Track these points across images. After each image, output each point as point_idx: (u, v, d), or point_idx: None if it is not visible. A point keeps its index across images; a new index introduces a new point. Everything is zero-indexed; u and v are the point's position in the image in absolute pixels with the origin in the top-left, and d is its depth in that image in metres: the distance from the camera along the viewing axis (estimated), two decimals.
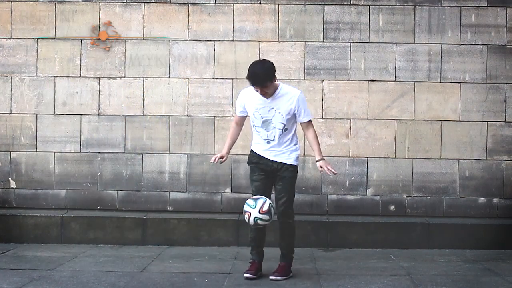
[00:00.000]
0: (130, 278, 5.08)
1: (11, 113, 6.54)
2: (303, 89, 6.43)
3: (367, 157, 6.46)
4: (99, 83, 6.51)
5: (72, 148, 6.52)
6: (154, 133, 6.50)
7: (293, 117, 5.05)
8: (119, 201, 6.52)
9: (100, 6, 6.51)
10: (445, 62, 6.44)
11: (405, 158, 6.45)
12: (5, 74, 6.53)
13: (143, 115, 6.49)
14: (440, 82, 6.45)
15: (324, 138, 6.45)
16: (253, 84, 4.90)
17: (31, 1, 6.52)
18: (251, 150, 5.20)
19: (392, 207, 6.47)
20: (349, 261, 5.78)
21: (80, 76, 6.52)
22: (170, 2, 6.50)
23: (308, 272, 5.33)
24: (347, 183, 6.47)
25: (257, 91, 4.94)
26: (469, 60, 6.44)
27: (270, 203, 4.95)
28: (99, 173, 6.52)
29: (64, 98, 6.52)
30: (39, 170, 6.52)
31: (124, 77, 6.51)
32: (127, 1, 6.51)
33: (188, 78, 6.48)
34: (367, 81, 6.46)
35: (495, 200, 6.45)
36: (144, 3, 6.50)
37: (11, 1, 6.52)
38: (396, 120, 6.46)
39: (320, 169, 5.09)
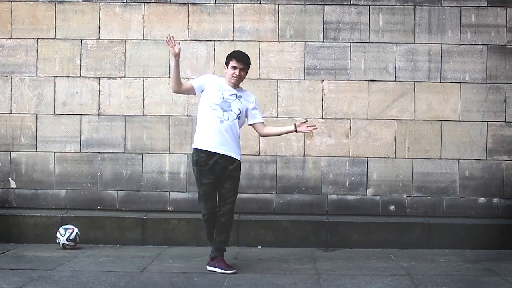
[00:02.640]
0: (130, 278, 5.08)
1: (11, 113, 6.54)
2: (303, 89, 6.46)
3: (367, 157, 6.46)
4: (99, 83, 6.52)
5: (72, 148, 6.53)
6: (154, 133, 6.51)
7: (243, 117, 5.34)
8: (119, 201, 6.52)
9: (100, 6, 6.51)
10: (445, 62, 6.45)
11: (405, 158, 6.45)
12: (5, 74, 6.54)
13: (143, 115, 6.50)
14: (440, 82, 6.45)
15: (324, 138, 6.45)
16: (241, 59, 5.25)
17: (31, 1, 6.53)
18: (197, 149, 5.27)
19: (392, 207, 6.47)
20: (349, 261, 5.78)
21: (80, 76, 6.52)
22: (170, 2, 6.50)
23: (308, 272, 5.33)
24: (347, 183, 6.47)
25: (234, 74, 5.24)
26: (469, 60, 6.44)
27: (77, 233, 6.09)
28: (99, 173, 6.52)
29: (64, 98, 6.52)
30: (39, 170, 6.52)
31: (124, 77, 6.51)
32: (127, 1, 6.52)
33: (188, 78, 6.47)
34: (367, 81, 6.46)
35: (495, 200, 6.45)
36: (144, 3, 6.50)
37: (11, 1, 6.53)
38: (396, 120, 6.46)
39: (302, 129, 5.28)
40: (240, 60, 5.26)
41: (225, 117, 5.21)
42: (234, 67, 5.26)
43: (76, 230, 6.10)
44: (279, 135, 5.61)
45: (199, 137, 5.29)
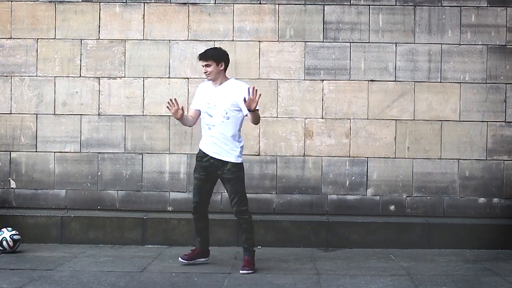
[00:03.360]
0: (130, 278, 5.08)
1: (11, 113, 6.54)
2: (303, 89, 6.46)
3: (367, 157, 6.46)
4: (99, 83, 6.52)
5: (72, 148, 6.53)
6: (154, 133, 6.50)
7: (237, 111, 5.27)
8: (119, 201, 6.52)
9: (100, 6, 6.51)
10: (445, 62, 6.44)
11: (405, 158, 6.45)
12: (5, 74, 6.54)
13: (143, 115, 6.49)
14: (440, 82, 6.45)
15: (324, 138, 6.45)
16: (201, 56, 5.35)
17: (31, 1, 6.53)
18: (199, 148, 5.47)
19: (392, 207, 6.47)
20: (349, 261, 5.78)
21: (80, 76, 6.52)
22: (170, 2, 6.50)
23: (308, 272, 5.33)
24: (347, 183, 6.47)
25: (204, 72, 5.35)
26: (469, 60, 6.44)
27: (3, 238, 5.84)
28: (99, 173, 6.52)
29: (64, 98, 6.52)
30: (39, 170, 6.52)
31: (124, 77, 6.51)
32: (127, 1, 6.51)
33: (188, 78, 6.48)
34: (367, 81, 6.46)
35: (495, 200, 6.45)
36: (144, 3, 6.50)
37: (11, 1, 6.52)
38: (396, 120, 6.46)
39: (247, 101, 5.07)
40: (201, 58, 5.35)
41: (212, 122, 5.30)
42: (202, 66, 5.36)
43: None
44: (257, 118, 5.31)
45: (201, 139, 5.49)
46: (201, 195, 5.45)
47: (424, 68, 6.45)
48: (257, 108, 5.14)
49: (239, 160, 5.31)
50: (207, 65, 5.30)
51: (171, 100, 5.27)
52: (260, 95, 5.09)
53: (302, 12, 6.47)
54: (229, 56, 6.44)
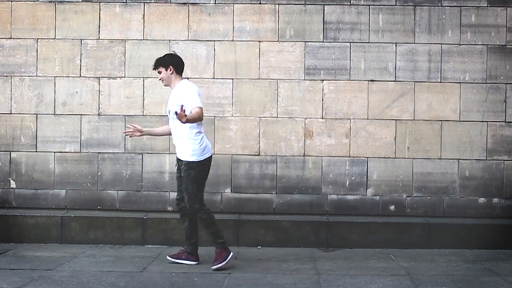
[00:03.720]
0: (130, 278, 5.08)
1: (11, 113, 6.54)
2: (303, 89, 6.45)
3: (367, 157, 6.46)
4: (99, 83, 6.52)
5: (72, 148, 6.53)
6: None
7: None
8: (119, 201, 6.52)
9: (100, 6, 6.51)
10: (445, 62, 6.45)
11: (405, 158, 6.45)
12: (5, 74, 6.54)
13: (143, 115, 6.49)
14: (440, 82, 6.45)
15: (324, 138, 6.45)
16: (153, 66, 5.58)
17: (31, 1, 6.53)
18: None
19: (392, 207, 6.47)
20: (349, 261, 5.78)
21: (80, 76, 6.52)
22: (170, 2, 6.50)
23: (308, 272, 5.33)
24: (347, 183, 6.47)
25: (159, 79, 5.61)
26: (469, 60, 6.44)
27: None
28: (99, 173, 6.52)
29: (64, 98, 6.52)
30: (39, 170, 6.52)
31: (124, 77, 6.51)
32: (127, 1, 6.51)
33: (188, 78, 6.46)
34: (367, 81, 6.46)
35: (495, 200, 6.45)
36: (144, 3, 6.50)
37: (11, 1, 6.52)
38: (396, 120, 6.46)
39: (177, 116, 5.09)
40: (153, 68, 5.58)
41: (170, 125, 5.55)
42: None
43: None
44: (195, 119, 5.28)
45: None
46: (180, 193, 5.56)
47: (424, 68, 6.45)
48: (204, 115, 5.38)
49: (191, 159, 5.37)
50: (159, 72, 5.53)
51: (128, 126, 5.60)
52: (186, 115, 5.07)
53: (302, 12, 6.47)
54: (229, 56, 6.47)
